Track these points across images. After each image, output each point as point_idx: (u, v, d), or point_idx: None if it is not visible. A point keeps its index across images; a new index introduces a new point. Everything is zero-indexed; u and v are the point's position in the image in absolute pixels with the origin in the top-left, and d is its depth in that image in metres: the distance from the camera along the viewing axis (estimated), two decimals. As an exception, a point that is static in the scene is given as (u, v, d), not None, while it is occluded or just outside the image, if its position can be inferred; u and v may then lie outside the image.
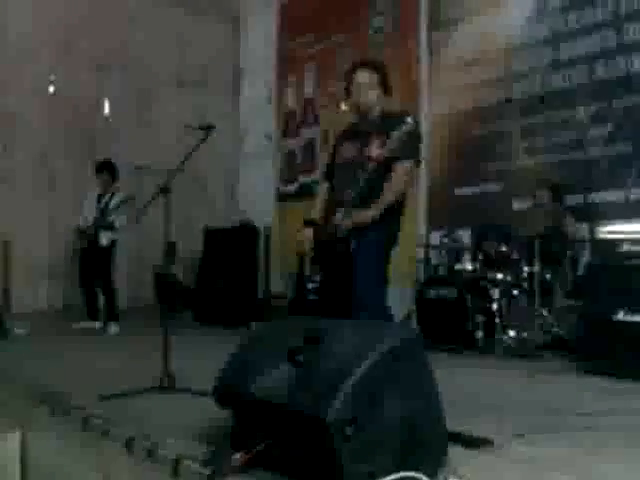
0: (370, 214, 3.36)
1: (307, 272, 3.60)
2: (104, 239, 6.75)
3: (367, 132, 3.52)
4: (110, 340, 6.05)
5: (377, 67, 3.67)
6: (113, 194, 6.87)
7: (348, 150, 3.62)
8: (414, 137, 3.38)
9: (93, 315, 6.82)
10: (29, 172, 8.58)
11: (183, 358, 3.68)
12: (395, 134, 3.22)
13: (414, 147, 3.46)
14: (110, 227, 6.74)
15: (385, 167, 3.36)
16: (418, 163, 3.59)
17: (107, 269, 6.85)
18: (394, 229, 3.53)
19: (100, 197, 6.94)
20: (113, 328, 6.66)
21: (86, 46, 9.06)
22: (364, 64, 3.69)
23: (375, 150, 3.35)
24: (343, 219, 3.34)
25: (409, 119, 3.24)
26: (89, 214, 6.92)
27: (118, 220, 6.74)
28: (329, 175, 3.77)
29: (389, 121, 3.42)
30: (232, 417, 2.31)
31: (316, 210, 3.70)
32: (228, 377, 2.34)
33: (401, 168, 3.41)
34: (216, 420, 2.55)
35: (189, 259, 9.02)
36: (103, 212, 6.80)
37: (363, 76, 3.60)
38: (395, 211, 3.50)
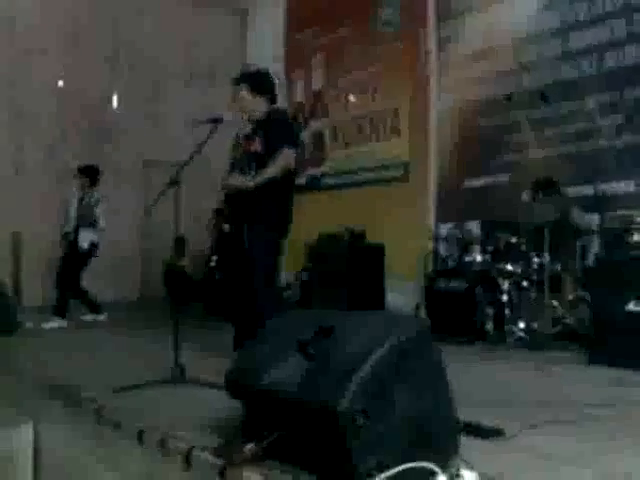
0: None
1: None
2: (85, 242, 6.81)
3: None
4: (121, 333, 6.08)
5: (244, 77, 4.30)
6: (92, 195, 6.93)
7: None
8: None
9: (62, 313, 6.75)
10: (39, 165, 8.64)
11: (193, 350, 3.69)
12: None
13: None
14: (92, 224, 6.79)
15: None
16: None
17: (77, 272, 6.90)
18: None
19: (81, 200, 7.00)
20: (89, 317, 7.01)
21: (94, 40, 9.09)
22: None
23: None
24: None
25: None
26: (74, 220, 6.97)
27: (101, 219, 6.81)
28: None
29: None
30: (243, 408, 2.33)
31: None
32: (240, 369, 2.35)
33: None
34: (227, 411, 2.56)
35: (199, 252, 9.04)
36: (85, 212, 6.87)
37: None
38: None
